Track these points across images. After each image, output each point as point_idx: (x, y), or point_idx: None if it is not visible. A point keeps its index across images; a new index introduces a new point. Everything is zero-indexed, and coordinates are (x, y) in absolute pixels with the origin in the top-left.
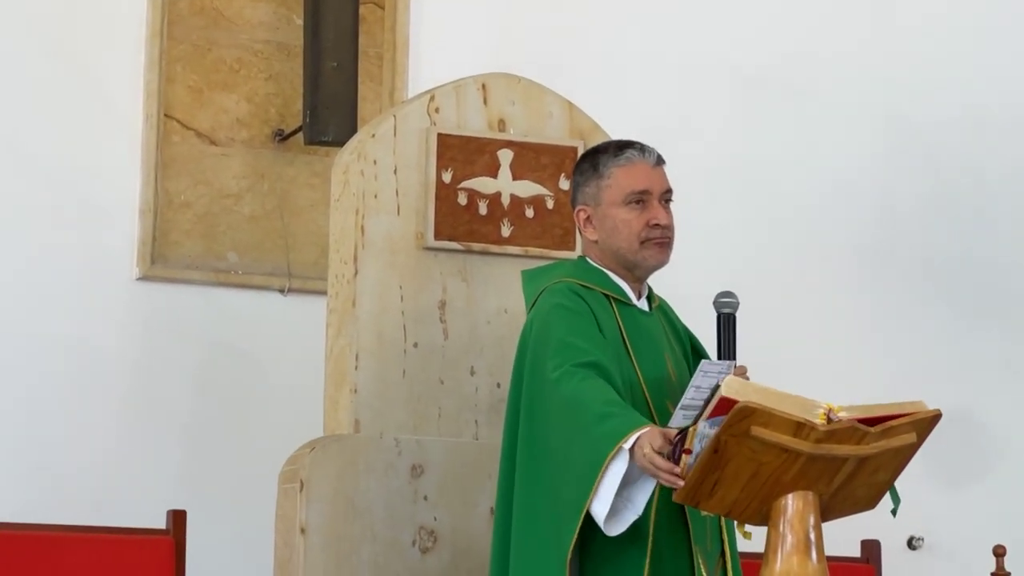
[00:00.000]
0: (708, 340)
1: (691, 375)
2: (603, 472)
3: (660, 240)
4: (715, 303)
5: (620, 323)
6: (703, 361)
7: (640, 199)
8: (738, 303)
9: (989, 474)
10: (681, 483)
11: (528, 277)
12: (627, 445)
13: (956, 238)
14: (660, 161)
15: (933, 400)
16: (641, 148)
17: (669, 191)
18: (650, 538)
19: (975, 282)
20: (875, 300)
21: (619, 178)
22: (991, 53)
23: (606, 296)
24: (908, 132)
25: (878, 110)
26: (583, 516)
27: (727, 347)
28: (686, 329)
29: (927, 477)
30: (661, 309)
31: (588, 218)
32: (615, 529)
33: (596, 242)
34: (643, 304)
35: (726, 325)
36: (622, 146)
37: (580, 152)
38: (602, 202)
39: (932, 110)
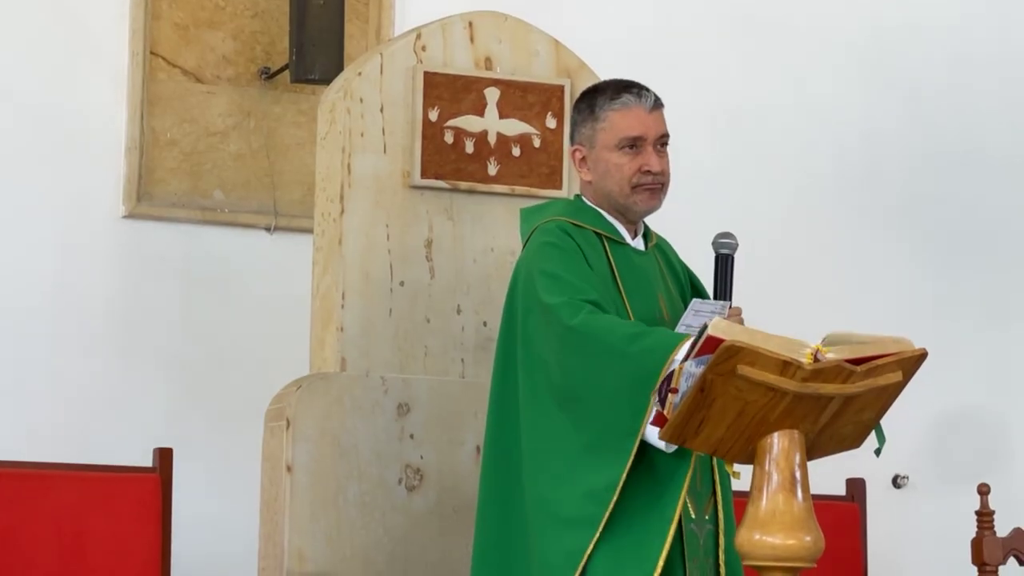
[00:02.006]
0: (703, 279)
1: None
2: (660, 383)
3: (651, 186)
4: (713, 243)
5: (612, 262)
6: (694, 300)
7: (633, 144)
8: (737, 244)
9: (973, 413)
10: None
11: (525, 215)
12: (679, 356)
13: (941, 176)
14: (657, 105)
15: (914, 337)
16: (638, 92)
17: (665, 136)
18: (691, 466)
19: (958, 219)
20: (859, 237)
21: (614, 122)
22: None
23: (598, 235)
24: (894, 69)
25: (865, 47)
26: (640, 435)
27: (723, 288)
28: (685, 268)
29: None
30: (659, 248)
31: (583, 158)
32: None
33: (590, 183)
34: (638, 243)
35: (723, 266)
36: (619, 89)
37: (567, 91)
38: (596, 144)
39: (919, 47)
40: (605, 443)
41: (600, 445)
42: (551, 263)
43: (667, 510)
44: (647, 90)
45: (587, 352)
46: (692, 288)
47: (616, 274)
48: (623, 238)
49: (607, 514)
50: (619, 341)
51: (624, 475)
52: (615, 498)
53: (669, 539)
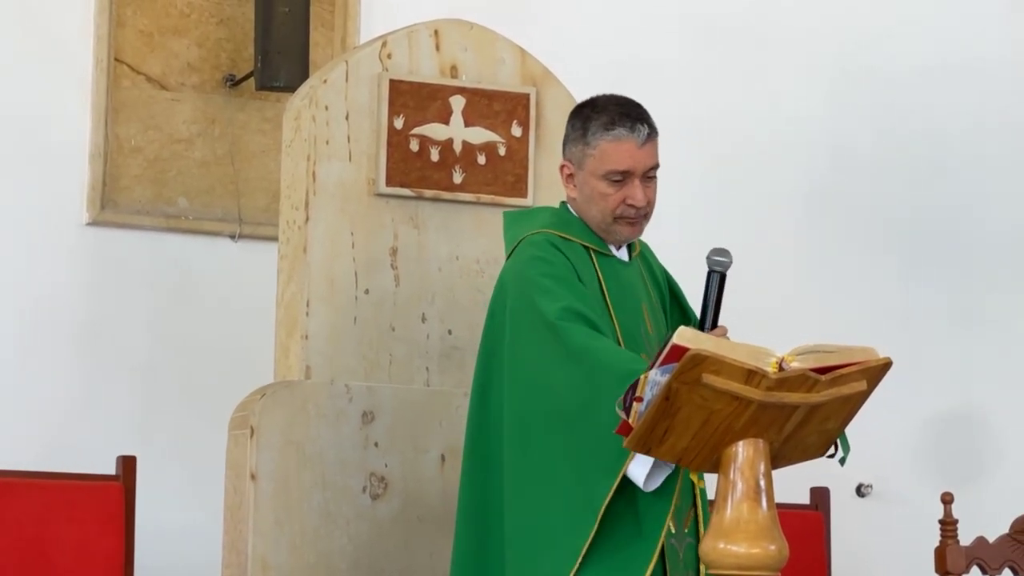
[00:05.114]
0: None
1: (667, 323)
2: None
3: (632, 219)
4: (707, 259)
5: (600, 274)
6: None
7: (620, 177)
8: (730, 263)
9: (937, 421)
10: None
11: (510, 221)
12: None
13: (908, 186)
14: (650, 137)
15: (882, 345)
16: (632, 126)
17: (654, 167)
18: (676, 492)
19: (926, 230)
20: (826, 248)
21: (604, 152)
22: (948, 2)
23: (585, 247)
24: (863, 80)
25: (833, 58)
26: (620, 477)
27: (710, 305)
28: (665, 273)
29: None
30: (642, 256)
31: (571, 175)
32: (652, 485)
33: (575, 199)
34: (623, 254)
35: (712, 283)
36: (615, 119)
37: (532, 99)
38: (584, 168)
39: (887, 58)
40: (592, 468)
41: (587, 470)
42: (546, 278)
43: (651, 536)
44: (642, 122)
45: (580, 380)
46: (672, 294)
47: (604, 287)
48: (609, 250)
49: (590, 539)
50: (613, 380)
51: (606, 501)
52: (597, 523)
53: (653, 563)
